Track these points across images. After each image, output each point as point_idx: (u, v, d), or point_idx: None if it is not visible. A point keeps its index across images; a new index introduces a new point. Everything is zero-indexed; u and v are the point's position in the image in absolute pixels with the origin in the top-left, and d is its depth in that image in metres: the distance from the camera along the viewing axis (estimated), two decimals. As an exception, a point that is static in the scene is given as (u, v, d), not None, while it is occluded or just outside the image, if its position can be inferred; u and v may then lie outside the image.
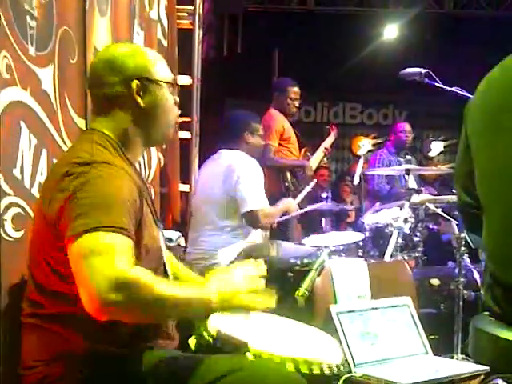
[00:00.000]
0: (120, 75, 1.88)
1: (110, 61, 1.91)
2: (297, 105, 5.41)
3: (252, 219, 3.68)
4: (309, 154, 5.65)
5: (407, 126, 6.67)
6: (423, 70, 3.22)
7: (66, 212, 1.65)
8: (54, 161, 2.24)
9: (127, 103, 1.89)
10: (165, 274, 1.97)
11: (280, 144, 5.26)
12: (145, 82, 1.90)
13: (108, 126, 1.89)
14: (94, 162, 1.71)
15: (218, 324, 1.88)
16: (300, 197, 4.81)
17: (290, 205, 4.15)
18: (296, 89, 5.41)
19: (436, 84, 3.18)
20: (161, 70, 1.95)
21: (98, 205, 1.63)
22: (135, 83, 1.88)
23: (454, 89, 3.07)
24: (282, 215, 4.16)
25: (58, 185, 1.71)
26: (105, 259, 1.57)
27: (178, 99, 2.00)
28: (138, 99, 1.89)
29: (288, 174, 5.21)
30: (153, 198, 2.12)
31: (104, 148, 1.80)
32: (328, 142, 5.77)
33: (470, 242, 3.81)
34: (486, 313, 1.85)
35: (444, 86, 3.15)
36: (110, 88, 1.89)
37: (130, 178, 1.76)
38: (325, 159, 5.93)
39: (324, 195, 5.50)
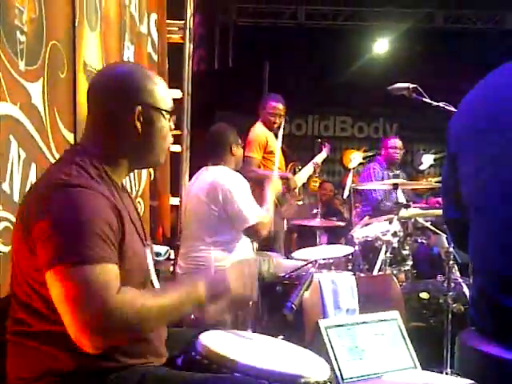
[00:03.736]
0: (124, 98, 1.84)
1: (116, 81, 1.86)
2: (277, 120, 5.36)
3: (253, 233, 3.72)
4: (297, 168, 5.66)
5: (398, 143, 6.48)
6: (411, 85, 3.24)
7: (43, 239, 1.62)
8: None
9: (125, 127, 1.85)
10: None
11: (264, 157, 5.28)
12: (147, 109, 1.85)
13: (98, 144, 1.85)
14: (70, 186, 1.69)
15: (206, 341, 1.88)
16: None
17: (275, 186, 3.98)
18: (275, 104, 5.40)
19: (423, 99, 3.20)
20: (164, 97, 1.90)
21: (74, 234, 1.61)
22: (138, 109, 1.84)
23: (441, 104, 3.09)
24: None
25: (35, 207, 1.68)
26: (88, 292, 1.57)
27: (172, 126, 1.97)
28: (138, 125, 1.84)
29: None
30: (140, 214, 2.10)
31: (83, 169, 1.76)
32: (319, 158, 5.79)
33: (457, 256, 3.83)
34: (473, 328, 1.86)
35: (431, 101, 3.17)
36: (111, 109, 1.84)
37: (106, 201, 1.73)
38: (316, 173, 5.94)
39: (314, 211, 5.51)
